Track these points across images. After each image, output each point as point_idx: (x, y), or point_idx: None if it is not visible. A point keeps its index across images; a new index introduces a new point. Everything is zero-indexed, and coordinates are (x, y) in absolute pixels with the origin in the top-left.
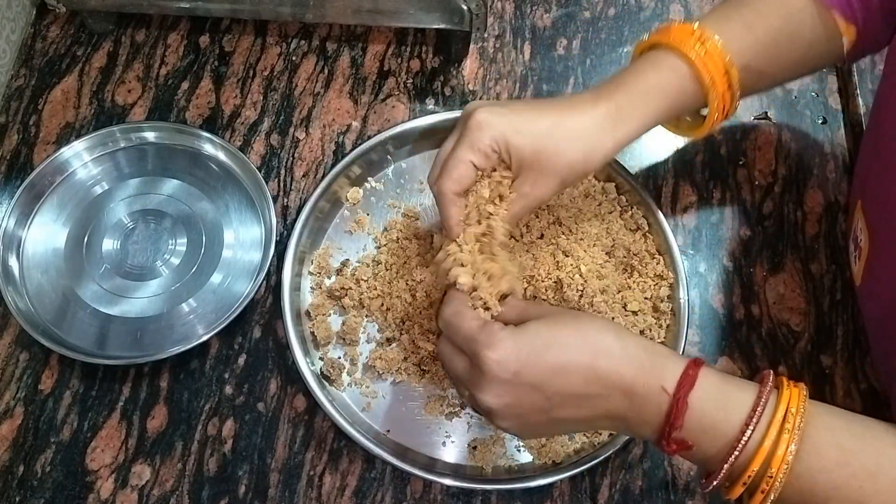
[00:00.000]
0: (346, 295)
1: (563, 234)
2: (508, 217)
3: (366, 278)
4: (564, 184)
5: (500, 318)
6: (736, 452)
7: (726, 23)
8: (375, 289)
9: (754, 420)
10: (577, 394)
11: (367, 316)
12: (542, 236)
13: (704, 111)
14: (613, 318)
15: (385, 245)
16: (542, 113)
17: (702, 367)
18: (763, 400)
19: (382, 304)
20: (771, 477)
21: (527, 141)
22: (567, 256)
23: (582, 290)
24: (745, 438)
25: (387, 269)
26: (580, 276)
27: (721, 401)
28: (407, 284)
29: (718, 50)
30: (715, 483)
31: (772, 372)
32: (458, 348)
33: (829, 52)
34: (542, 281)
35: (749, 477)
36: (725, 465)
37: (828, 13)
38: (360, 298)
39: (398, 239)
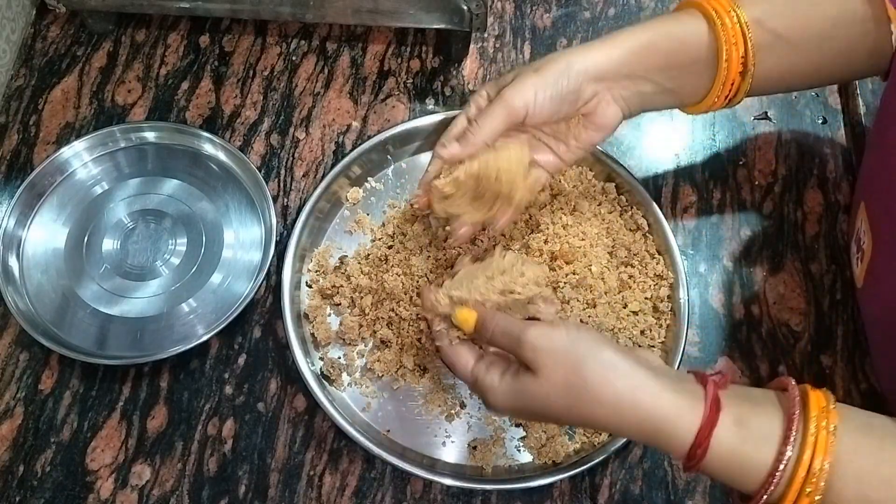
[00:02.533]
0: (338, 293)
1: (562, 236)
2: (484, 132)
3: (356, 275)
4: (543, 78)
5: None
6: (765, 497)
7: None
8: (367, 285)
9: (777, 476)
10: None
11: (358, 314)
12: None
13: None
14: (617, 317)
15: (380, 239)
16: None
17: (715, 429)
18: (787, 456)
19: (373, 301)
20: None
21: (515, 73)
22: (568, 264)
23: (589, 288)
24: (770, 488)
25: (382, 261)
26: (591, 275)
27: (737, 461)
28: (402, 284)
29: None
30: None
31: (798, 398)
32: None
33: (875, 42)
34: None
35: None
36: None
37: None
38: (352, 297)
39: (394, 234)
